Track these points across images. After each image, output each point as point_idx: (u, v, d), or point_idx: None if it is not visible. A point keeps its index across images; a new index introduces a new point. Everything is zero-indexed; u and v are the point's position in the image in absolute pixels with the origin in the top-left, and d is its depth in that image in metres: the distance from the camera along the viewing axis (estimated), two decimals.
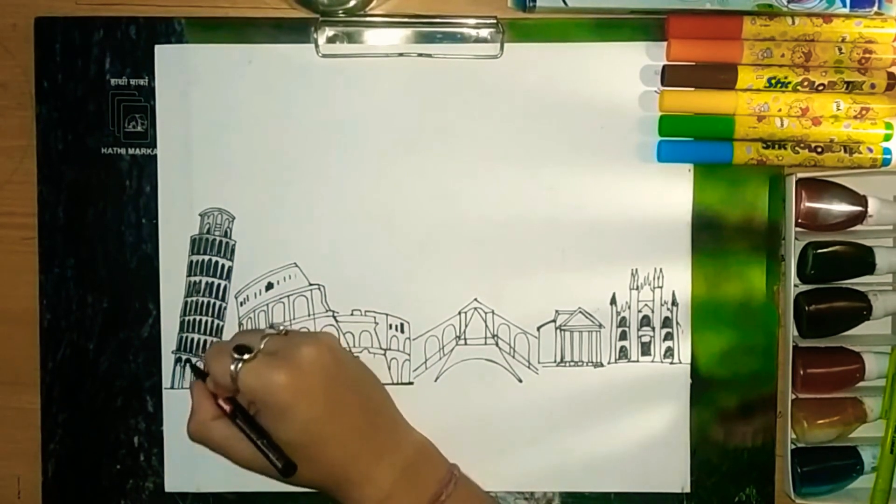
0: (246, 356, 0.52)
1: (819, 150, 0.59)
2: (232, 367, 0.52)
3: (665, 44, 0.59)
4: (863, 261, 0.61)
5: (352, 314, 0.61)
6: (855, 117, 0.59)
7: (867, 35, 0.58)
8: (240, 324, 0.61)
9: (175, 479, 0.61)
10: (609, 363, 0.61)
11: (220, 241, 0.61)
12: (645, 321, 0.61)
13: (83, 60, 0.60)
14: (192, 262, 0.61)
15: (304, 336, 0.55)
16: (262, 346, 0.53)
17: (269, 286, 0.61)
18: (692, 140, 0.60)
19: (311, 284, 0.61)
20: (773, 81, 0.58)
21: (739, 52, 0.58)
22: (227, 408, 0.53)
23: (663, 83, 0.60)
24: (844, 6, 0.58)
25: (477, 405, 0.61)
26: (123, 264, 0.61)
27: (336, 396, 0.53)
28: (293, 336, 0.55)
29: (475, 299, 0.61)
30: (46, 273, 0.61)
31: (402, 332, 0.61)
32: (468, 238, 0.61)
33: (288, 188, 0.60)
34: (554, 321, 0.61)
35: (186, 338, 0.61)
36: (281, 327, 0.55)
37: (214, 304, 0.61)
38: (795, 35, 0.58)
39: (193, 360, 0.59)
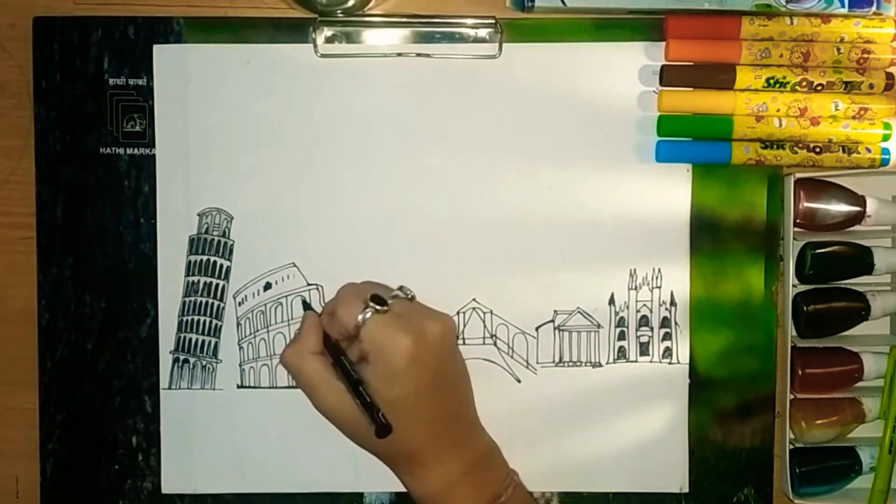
0: (379, 307, 0.52)
1: (817, 150, 0.59)
2: (361, 315, 0.52)
3: (663, 44, 0.59)
4: (861, 261, 0.61)
5: None
6: (853, 117, 0.59)
7: (866, 35, 0.58)
8: (238, 324, 0.61)
9: (172, 481, 0.61)
10: (607, 363, 0.61)
11: (219, 241, 0.61)
12: (643, 321, 0.61)
13: (81, 60, 0.60)
14: (190, 261, 0.61)
15: (430, 311, 0.56)
16: (390, 303, 0.53)
17: (268, 286, 0.61)
18: (691, 140, 0.60)
19: (309, 284, 0.61)
20: (772, 81, 0.58)
21: (738, 53, 0.58)
22: (330, 350, 0.54)
23: (662, 83, 0.60)
24: (843, 6, 0.58)
25: (476, 405, 0.61)
26: (122, 264, 0.61)
27: (441, 378, 0.54)
28: (419, 306, 0.56)
29: (474, 299, 0.61)
30: (45, 273, 0.61)
31: None
32: (466, 238, 0.61)
33: (286, 188, 0.60)
34: (552, 321, 0.61)
35: (184, 338, 0.61)
36: (409, 292, 0.55)
37: (213, 304, 0.61)
38: (794, 35, 0.58)
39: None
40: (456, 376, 0.57)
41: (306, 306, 0.58)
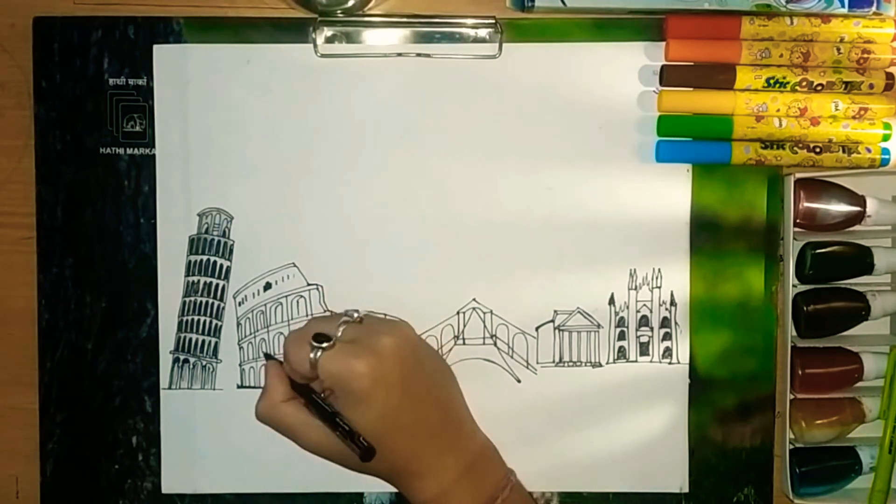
0: (325, 344, 0.52)
1: (817, 150, 0.59)
2: (311, 355, 0.52)
3: (664, 44, 0.59)
4: (861, 261, 0.61)
5: None
6: (853, 117, 0.59)
7: (866, 35, 0.58)
8: (238, 324, 0.61)
9: (172, 480, 0.61)
10: (607, 363, 0.61)
11: (219, 241, 0.61)
12: (643, 321, 0.61)
13: (81, 60, 0.60)
14: (190, 261, 0.61)
15: (382, 324, 0.56)
16: (339, 333, 0.53)
17: (268, 286, 0.61)
18: (691, 140, 0.60)
19: (309, 284, 0.61)
20: (772, 81, 0.58)
21: (738, 53, 0.58)
22: (300, 391, 0.54)
23: (662, 83, 0.60)
24: (843, 6, 0.58)
25: (475, 405, 0.61)
26: (122, 264, 0.61)
27: (412, 388, 0.53)
28: (371, 323, 0.55)
29: (474, 299, 0.61)
30: (45, 273, 0.61)
31: None
32: (466, 238, 0.61)
33: (286, 188, 0.60)
34: (552, 321, 0.61)
35: (184, 338, 0.61)
36: (356, 314, 0.55)
37: (213, 304, 0.61)
38: (794, 35, 0.58)
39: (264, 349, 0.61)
40: (430, 382, 0.56)
41: (268, 356, 0.58)
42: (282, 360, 0.56)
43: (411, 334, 0.56)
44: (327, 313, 0.59)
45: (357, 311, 0.55)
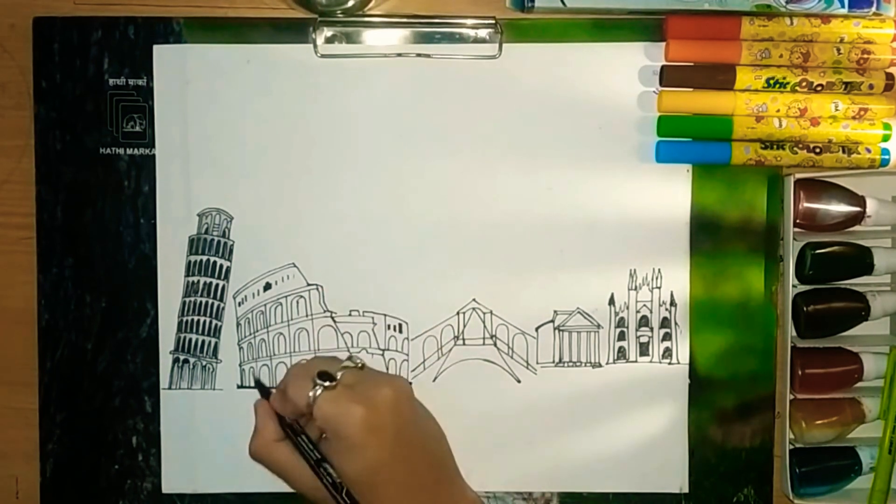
0: (327, 383, 0.52)
1: (817, 150, 0.59)
2: (311, 393, 0.51)
3: (663, 44, 0.59)
4: (861, 261, 0.61)
5: (350, 314, 0.61)
6: (853, 118, 0.59)
7: (865, 35, 0.58)
8: (238, 324, 0.61)
9: (172, 480, 0.61)
10: (607, 363, 0.61)
11: (219, 242, 0.61)
12: (643, 321, 0.61)
13: (81, 60, 0.60)
14: (190, 262, 0.61)
15: (381, 375, 0.56)
16: (338, 376, 0.52)
17: (268, 286, 0.61)
18: (690, 140, 0.60)
19: (309, 284, 0.61)
20: (772, 82, 0.58)
21: (738, 53, 0.58)
22: (287, 434, 0.53)
23: (662, 83, 0.60)
24: (843, 7, 0.58)
25: (475, 406, 0.61)
26: (122, 264, 0.61)
27: (404, 443, 0.53)
28: (370, 373, 0.55)
29: (473, 299, 0.61)
30: (45, 273, 0.61)
31: (401, 332, 0.61)
32: (466, 238, 0.61)
33: (286, 188, 0.60)
34: (552, 321, 0.61)
35: (184, 338, 0.61)
36: (358, 361, 0.54)
37: (212, 304, 0.61)
38: (794, 35, 0.58)
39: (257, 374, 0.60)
40: (423, 437, 0.55)
41: (260, 388, 0.56)
42: (271, 392, 0.55)
43: (408, 390, 0.54)
44: (329, 356, 0.58)
45: (360, 358, 0.55)
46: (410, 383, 0.56)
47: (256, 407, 0.55)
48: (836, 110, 0.59)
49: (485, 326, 0.61)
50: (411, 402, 0.54)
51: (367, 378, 0.54)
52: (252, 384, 0.61)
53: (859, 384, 0.61)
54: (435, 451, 0.56)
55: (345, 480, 0.52)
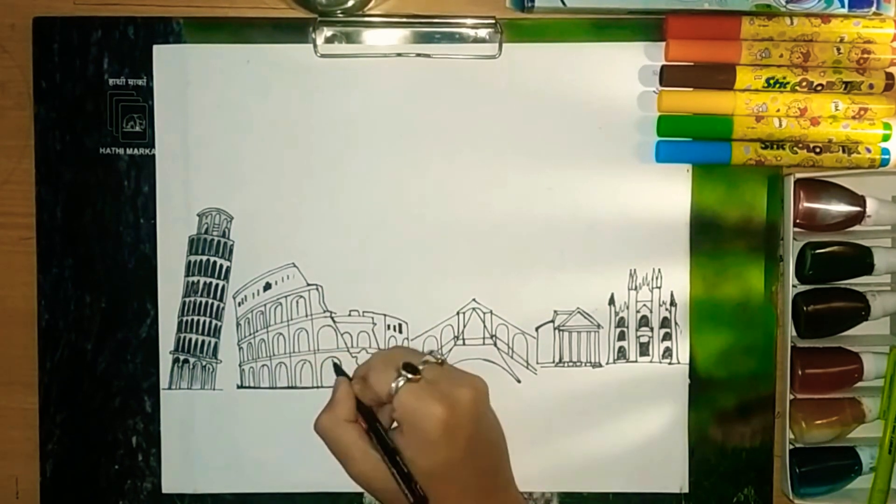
0: (411, 376, 0.52)
1: (817, 150, 0.59)
2: (394, 383, 0.52)
3: (663, 44, 0.59)
4: (861, 261, 0.61)
5: (349, 314, 0.61)
6: (853, 117, 0.59)
7: (865, 35, 0.58)
8: (238, 324, 0.61)
9: (172, 480, 0.61)
10: (607, 363, 0.61)
11: (219, 242, 0.61)
12: (643, 321, 0.61)
13: (81, 60, 0.60)
14: (190, 262, 0.61)
15: (462, 375, 0.56)
16: (421, 370, 0.53)
17: (268, 286, 0.61)
18: (690, 140, 0.60)
19: (309, 285, 0.61)
20: (772, 82, 0.58)
21: (738, 53, 0.58)
22: (365, 418, 0.54)
23: (662, 83, 0.60)
24: (843, 6, 0.58)
25: None
26: (121, 264, 0.61)
27: (474, 444, 0.53)
28: (450, 371, 0.55)
29: (473, 299, 0.61)
30: (45, 273, 0.61)
31: (401, 332, 0.61)
32: (466, 238, 0.61)
33: (286, 188, 0.60)
34: (552, 321, 0.61)
35: (184, 338, 0.61)
36: (439, 356, 0.55)
37: (212, 304, 0.61)
38: (794, 35, 0.58)
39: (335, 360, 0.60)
40: (490, 440, 0.56)
41: (339, 371, 0.57)
42: (350, 375, 0.55)
43: (486, 391, 0.55)
44: (410, 347, 0.60)
45: (441, 353, 0.56)
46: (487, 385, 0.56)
47: (338, 384, 0.55)
48: (836, 110, 0.59)
49: (485, 326, 0.61)
50: (486, 404, 0.55)
51: (448, 375, 0.54)
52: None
53: (859, 384, 0.61)
54: (498, 456, 0.56)
55: (415, 472, 0.52)
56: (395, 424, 0.54)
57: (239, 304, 0.61)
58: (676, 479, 0.61)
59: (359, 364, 0.58)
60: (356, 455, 0.53)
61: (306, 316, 0.61)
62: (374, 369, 0.54)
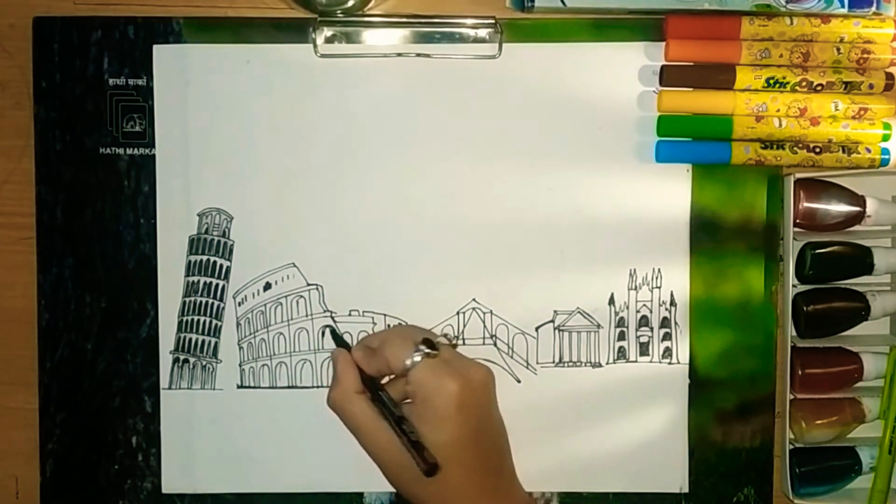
0: (430, 351, 0.53)
1: (817, 150, 0.59)
2: (412, 358, 0.52)
3: (663, 44, 0.59)
4: (861, 261, 0.61)
5: (350, 314, 0.61)
6: (853, 117, 0.59)
7: (865, 35, 0.58)
8: (238, 324, 0.61)
9: (172, 480, 0.61)
10: (607, 363, 0.61)
11: (219, 241, 0.61)
12: (643, 321, 0.61)
13: (81, 60, 0.60)
14: (190, 262, 0.61)
15: (471, 359, 0.56)
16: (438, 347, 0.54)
17: (268, 286, 0.61)
18: (690, 140, 0.60)
19: (309, 284, 0.61)
20: (772, 81, 0.58)
21: (738, 53, 0.58)
22: (368, 387, 0.54)
23: (662, 83, 0.60)
24: (843, 6, 0.58)
25: None
26: (121, 264, 0.61)
27: (483, 426, 0.54)
28: (460, 354, 0.56)
29: (473, 299, 0.61)
30: (45, 273, 0.61)
31: None
32: (466, 238, 0.61)
33: (286, 188, 0.60)
34: (552, 321, 0.61)
35: (184, 338, 0.61)
36: (452, 338, 0.56)
37: (212, 304, 0.61)
38: (794, 35, 0.58)
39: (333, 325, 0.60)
40: (497, 426, 0.56)
41: (338, 340, 0.57)
42: (349, 344, 0.56)
43: (493, 376, 0.56)
44: (423, 327, 0.60)
45: (454, 335, 0.56)
46: None
47: (337, 356, 0.56)
48: (836, 110, 0.59)
49: (485, 326, 0.61)
50: (493, 388, 0.56)
51: (460, 357, 0.55)
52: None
53: (859, 384, 0.61)
54: (502, 443, 0.57)
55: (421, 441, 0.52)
56: (407, 400, 0.54)
57: (239, 304, 0.61)
58: (676, 479, 0.61)
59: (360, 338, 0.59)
60: (368, 426, 0.54)
61: (307, 316, 0.61)
62: (390, 342, 0.54)
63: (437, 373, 0.52)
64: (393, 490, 0.61)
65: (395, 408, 0.53)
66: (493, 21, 0.60)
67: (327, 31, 0.60)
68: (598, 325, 0.61)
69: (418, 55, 0.60)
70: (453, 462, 0.52)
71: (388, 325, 0.61)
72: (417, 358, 0.53)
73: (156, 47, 0.60)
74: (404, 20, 0.60)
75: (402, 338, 0.54)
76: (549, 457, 0.61)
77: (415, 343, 0.53)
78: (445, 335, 0.56)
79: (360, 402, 0.54)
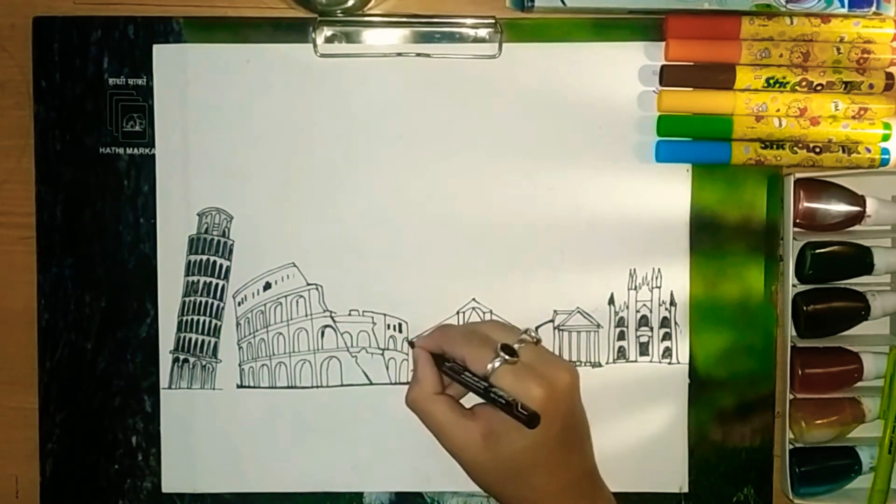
0: (509, 358, 0.52)
1: (817, 150, 0.59)
2: (491, 364, 0.52)
3: (663, 44, 0.59)
4: (861, 261, 0.61)
5: (349, 314, 0.61)
6: (853, 117, 0.59)
7: (865, 35, 0.58)
8: (238, 324, 0.61)
9: (172, 480, 0.61)
10: (607, 363, 0.61)
11: (218, 241, 0.61)
12: (643, 321, 0.61)
13: (81, 60, 0.60)
14: (189, 261, 0.61)
15: (556, 357, 0.56)
16: (518, 350, 0.53)
17: (268, 286, 0.61)
18: (690, 140, 0.60)
19: (309, 284, 0.61)
20: (772, 81, 0.58)
21: (738, 52, 0.58)
22: (449, 374, 0.54)
23: (662, 83, 0.60)
24: (843, 6, 0.58)
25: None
26: (121, 264, 0.61)
27: (569, 428, 0.53)
28: (545, 352, 0.56)
29: (473, 299, 0.61)
30: (44, 273, 0.61)
31: (401, 332, 0.61)
32: (466, 238, 0.61)
33: (286, 188, 0.60)
34: (552, 321, 0.61)
35: (184, 338, 0.61)
36: (534, 335, 0.55)
37: (212, 303, 0.61)
38: (794, 35, 0.58)
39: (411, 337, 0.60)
40: (582, 430, 0.56)
41: (413, 345, 0.58)
42: (428, 348, 0.56)
43: (579, 378, 0.55)
44: (505, 322, 0.59)
45: (535, 332, 0.55)
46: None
47: (417, 356, 0.56)
48: (836, 110, 0.59)
49: None
50: (578, 390, 0.55)
51: (543, 357, 0.54)
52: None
53: (859, 384, 0.61)
54: (587, 446, 0.56)
55: (509, 453, 0.52)
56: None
57: (239, 304, 0.61)
58: (676, 479, 0.61)
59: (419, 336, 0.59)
60: (449, 427, 0.53)
61: (306, 316, 0.61)
62: (470, 347, 0.53)
63: (519, 378, 0.52)
64: (393, 490, 0.61)
65: (479, 378, 0.52)
66: (493, 21, 0.60)
67: (327, 31, 0.60)
68: (598, 325, 0.61)
69: (418, 55, 0.60)
70: (539, 465, 0.52)
71: (389, 326, 0.61)
72: (497, 364, 0.52)
73: (156, 47, 0.60)
74: (404, 20, 0.60)
75: (483, 341, 0.53)
76: None
77: (494, 349, 0.52)
78: (527, 331, 0.55)
79: (438, 403, 0.54)
